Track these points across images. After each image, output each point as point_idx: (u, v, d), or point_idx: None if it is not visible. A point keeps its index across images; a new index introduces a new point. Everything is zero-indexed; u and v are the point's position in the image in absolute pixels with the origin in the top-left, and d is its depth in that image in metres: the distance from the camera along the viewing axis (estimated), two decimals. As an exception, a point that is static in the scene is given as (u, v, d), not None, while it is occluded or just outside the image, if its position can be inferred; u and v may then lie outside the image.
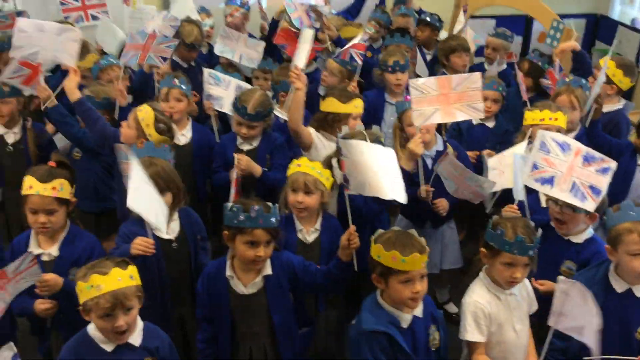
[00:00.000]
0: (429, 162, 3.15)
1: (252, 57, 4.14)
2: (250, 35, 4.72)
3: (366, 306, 2.23)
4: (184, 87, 3.39)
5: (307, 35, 3.16)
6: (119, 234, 2.62)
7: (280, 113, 3.47)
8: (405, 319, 2.18)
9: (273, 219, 2.30)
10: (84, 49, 3.72)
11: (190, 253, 2.67)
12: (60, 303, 2.38)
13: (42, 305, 2.34)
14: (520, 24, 6.05)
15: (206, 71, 3.72)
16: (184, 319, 2.74)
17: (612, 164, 2.49)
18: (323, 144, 3.19)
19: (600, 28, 6.25)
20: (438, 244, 3.35)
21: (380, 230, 2.23)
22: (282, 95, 3.64)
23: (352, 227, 2.32)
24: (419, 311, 2.22)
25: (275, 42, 4.03)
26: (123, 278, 1.98)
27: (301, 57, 3.10)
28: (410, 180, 2.85)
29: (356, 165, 2.35)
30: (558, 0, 5.78)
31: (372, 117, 3.77)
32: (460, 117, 2.85)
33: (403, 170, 2.48)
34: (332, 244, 2.66)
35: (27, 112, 3.50)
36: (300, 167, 2.69)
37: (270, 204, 2.34)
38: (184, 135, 3.41)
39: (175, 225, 2.64)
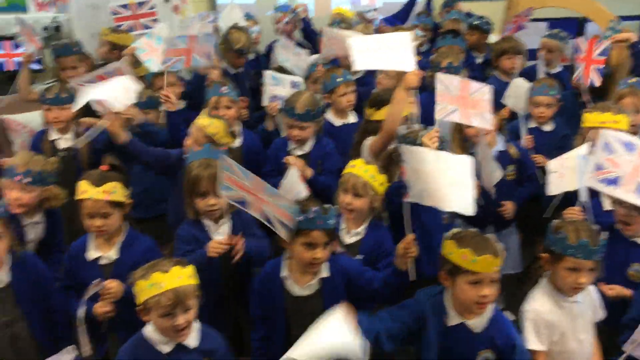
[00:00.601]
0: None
1: (300, 66, 4.18)
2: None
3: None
4: (232, 93, 3.41)
5: (408, 37, 2.99)
6: (178, 237, 2.64)
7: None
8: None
9: (331, 221, 2.27)
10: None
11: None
12: (118, 306, 2.39)
13: (101, 308, 2.35)
14: (573, 27, 5.87)
15: (267, 73, 3.75)
16: (238, 318, 2.72)
17: None
18: None
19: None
20: None
21: (455, 229, 2.17)
22: (326, 97, 3.62)
23: (410, 236, 2.26)
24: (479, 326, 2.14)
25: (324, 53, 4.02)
26: (183, 276, 1.98)
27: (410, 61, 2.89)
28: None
29: (418, 173, 2.28)
30: (612, 1, 5.66)
31: (425, 119, 3.70)
32: (475, 122, 2.78)
33: None
34: (372, 252, 2.61)
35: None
36: (354, 168, 2.66)
37: (328, 205, 2.31)
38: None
39: (227, 227, 2.64)
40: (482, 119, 2.76)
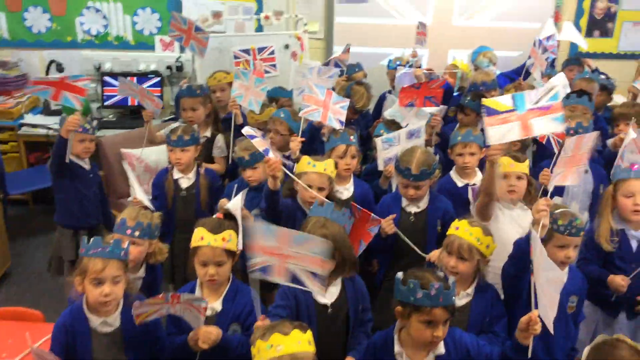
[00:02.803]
0: (633, 243, 2.86)
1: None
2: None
3: None
4: (357, 144, 3.37)
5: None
6: (280, 290, 2.55)
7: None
8: None
9: (453, 296, 2.12)
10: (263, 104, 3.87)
11: (347, 322, 2.54)
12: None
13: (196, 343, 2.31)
14: None
15: (377, 140, 3.56)
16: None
17: None
18: (503, 213, 2.96)
19: None
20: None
21: None
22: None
23: (535, 312, 2.07)
24: None
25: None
26: (302, 342, 1.89)
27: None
28: (604, 258, 2.66)
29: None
30: None
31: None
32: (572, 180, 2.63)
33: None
34: (483, 314, 2.47)
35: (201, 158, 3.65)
36: (458, 230, 2.53)
37: (450, 280, 2.17)
38: (347, 189, 3.35)
39: (335, 291, 2.53)
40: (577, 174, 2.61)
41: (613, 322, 2.98)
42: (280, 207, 2.97)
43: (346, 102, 3.57)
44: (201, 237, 2.44)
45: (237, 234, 2.51)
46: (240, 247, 2.50)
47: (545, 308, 2.05)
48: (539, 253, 2.06)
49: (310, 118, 3.49)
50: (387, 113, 4.07)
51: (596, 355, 1.89)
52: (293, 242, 2.08)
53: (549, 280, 2.04)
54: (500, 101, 2.47)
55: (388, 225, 2.86)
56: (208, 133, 3.99)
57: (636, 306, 2.90)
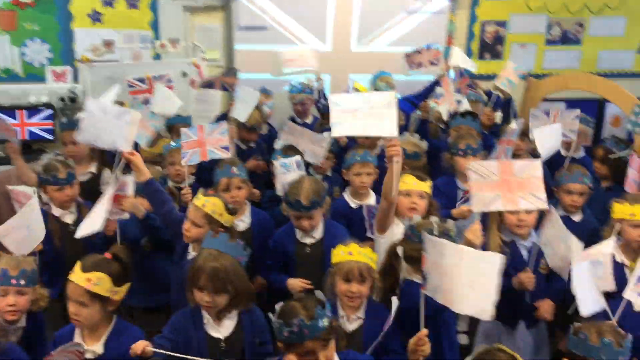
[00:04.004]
0: (524, 253, 2.96)
1: (316, 153, 3.90)
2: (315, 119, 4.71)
3: None
4: (243, 174, 3.28)
5: (392, 98, 2.77)
6: (169, 323, 2.47)
7: None
8: None
9: (321, 324, 2.02)
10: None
11: (242, 357, 2.45)
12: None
13: None
14: (593, 108, 5.79)
15: (276, 164, 3.56)
16: None
17: None
18: (400, 228, 2.94)
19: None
20: (528, 346, 3.07)
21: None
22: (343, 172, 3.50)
23: (424, 332, 2.10)
24: None
25: None
26: None
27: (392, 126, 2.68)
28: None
29: (437, 267, 2.11)
30: (634, 84, 5.59)
31: (443, 205, 3.56)
32: (524, 205, 2.59)
33: None
34: (376, 333, 2.42)
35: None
36: (352, 255, 2.51)
37: (319, 304, 2.07)
38: (242, 221, 3.27)
39: (230, 325, 2.44)
40: (532, 198, 2.57)
41: (514, 332, 3.05)
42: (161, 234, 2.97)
43: (223, 125, 3.49)
44: (74, 271, 2.31)
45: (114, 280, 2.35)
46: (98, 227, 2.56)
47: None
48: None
49: (192, 163, 3.43)
50: (282, 140, 4.04)
51: None
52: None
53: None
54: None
55: None
56: (93, 168, 3.81)
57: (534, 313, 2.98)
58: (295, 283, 2.96)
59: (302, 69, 4.84)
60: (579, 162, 3.95)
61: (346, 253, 2.52)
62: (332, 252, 2.57)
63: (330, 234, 3.03)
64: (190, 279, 2.40)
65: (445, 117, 4.17)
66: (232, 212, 2.88)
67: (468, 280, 2.05)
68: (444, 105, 3.94)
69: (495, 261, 2.04)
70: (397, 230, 2.95)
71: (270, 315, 2.09)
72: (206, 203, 2.80)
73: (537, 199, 2.57)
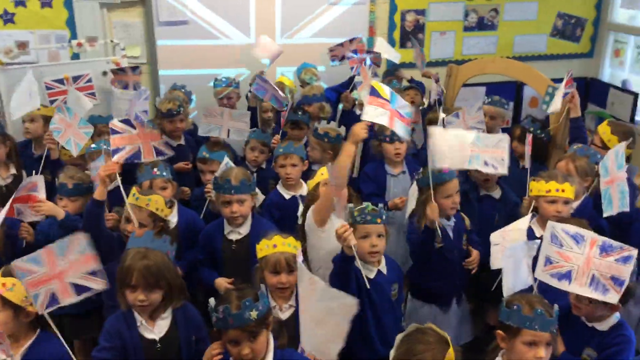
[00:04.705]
0: (451, 232, 3.12)
1: (240, 128, 3.93)
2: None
3: None
4: (165, 173, 3.24)
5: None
6: (103, 330, 2.42)
7: None
8: None
9: (247, 315, 2.04)
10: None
11: (179, 356, 2.43)
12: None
13: None
14: (511, 90, 6.03)
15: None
16: None
17: (634, 252, 2.28)
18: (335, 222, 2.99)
19: (591, 91, 6.25)
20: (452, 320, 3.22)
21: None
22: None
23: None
24: None
25: None
26: None
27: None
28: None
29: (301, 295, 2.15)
30: (547, 66, 5.86)
31: (374, 191, 3.65)
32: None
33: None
34: None
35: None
36: (276, 247, 2.55)
37: (252, 296, 2.09)
38: (169, 219, 3.22)
39: (164, 324, 2.42)
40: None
41: (449, 311, 3.19)
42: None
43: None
44: None
45: None
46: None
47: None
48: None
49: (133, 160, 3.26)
50: (201, 130, 3.97)
51: (406, 341, 1.97)
52: (58, 256, 2.08)
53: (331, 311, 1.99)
54: (383, 89, 2.80)
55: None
56: (13, 170, 3.71)
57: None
58: (221, 283, 2.98)
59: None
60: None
61: (270, 246, 2.55)
62: (257, 247, 2.60)
63: (256, 230, 3.02)
64: (120, 280, 2.37)
65: (364, 97, 4.26)
66: (171, 204, 2.89)
67: (317, 317, 2.03)
68: (363, 91, 4.02)
69: (350, 305, 1.97)
70: (335, 220, 2.95)
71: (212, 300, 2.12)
72: (149, 202, 2.79)
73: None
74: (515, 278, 2.55)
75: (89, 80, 4.63)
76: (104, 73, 4.76)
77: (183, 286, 2.49)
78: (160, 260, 2.39)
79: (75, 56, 5.13)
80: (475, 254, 3.18)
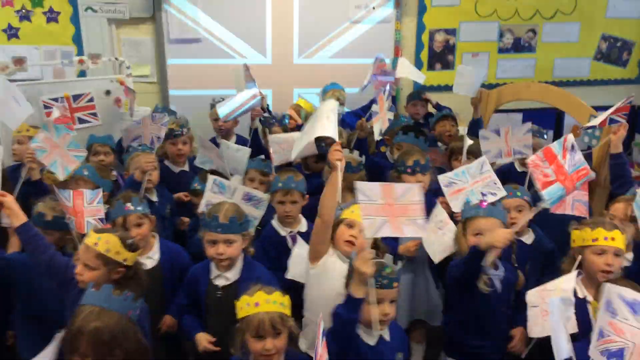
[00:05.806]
0: (497, 283, 2.67)
1: (238, 163, 3.56)
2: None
3: None
4: (140, 208, 2.85)
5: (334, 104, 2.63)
6: None
7: None
8: None
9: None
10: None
11: None
12: None
13: None
14: (550, 118, 5.53)
15: (211, 178, 3.15)
16: None
17: None
18: (336, 266, 2.55)
19: (639, 120, 5.71)
20: None
21: None
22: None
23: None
24: None
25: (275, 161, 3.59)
26: None
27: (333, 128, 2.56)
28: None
29: None
30: (590, 92, 5.36)
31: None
32: (407, 232, 2.22)
33: None
34: None
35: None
36: (259, 306, 2.12)
37: None
38: (150, 257, 2.84)
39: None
40: (414, 225, 2.20)
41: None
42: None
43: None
44: None
45: None
46: None
47: None
48: None
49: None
50: (197, 160, 3.71)
51: None
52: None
53: None
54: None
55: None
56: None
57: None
58: (201, 341, 2.58)
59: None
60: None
61: (252, 304, 2.12)
62: (236, 304, 2.17)
63: (247, 277, 2.61)
64: (68, 344, 1.95)
65: (376, 136, 3.86)
66: (134, 247, 2.44)
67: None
68: (377, 124, 3.64)
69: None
70: (330, 261, 2.57)
71: None
72: (98, 241, 2.35)
73: (419, 227, 2.20)
74: (561, 343, 2.05)
75: (90, 100, 4.37)
76: (107, 92, 4.46)
77: (145, 353, 2.06)
78: (115, 324, 1.96)
79: (82, 74, 4.86)
80: (519, 334, 2.67)
